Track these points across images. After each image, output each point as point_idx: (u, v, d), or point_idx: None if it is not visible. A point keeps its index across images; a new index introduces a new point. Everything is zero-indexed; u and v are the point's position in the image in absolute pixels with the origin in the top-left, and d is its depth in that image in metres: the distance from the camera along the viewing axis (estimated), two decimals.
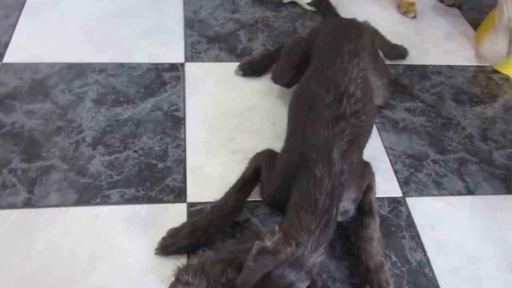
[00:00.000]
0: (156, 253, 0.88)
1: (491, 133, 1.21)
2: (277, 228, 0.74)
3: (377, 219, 0.91)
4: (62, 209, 0.94)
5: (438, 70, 1.38)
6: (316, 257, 0.74)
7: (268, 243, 0.69)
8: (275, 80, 1.21)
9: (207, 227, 0.90)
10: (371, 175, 0.96)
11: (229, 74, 1.27)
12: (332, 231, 0.78)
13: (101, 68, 1.25)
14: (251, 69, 1.26)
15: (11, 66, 1.23)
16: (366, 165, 0.96)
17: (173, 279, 0.77)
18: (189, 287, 0.74)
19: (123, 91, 1.19)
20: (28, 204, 0.94)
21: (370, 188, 0.93)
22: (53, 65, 1.24)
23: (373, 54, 1.10)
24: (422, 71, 1.36)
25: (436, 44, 1.46)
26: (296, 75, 1.11)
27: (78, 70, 1.24)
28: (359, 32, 1.09)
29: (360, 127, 0.92)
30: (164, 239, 0.89)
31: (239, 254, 0.73)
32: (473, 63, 1.42)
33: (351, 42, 1.04)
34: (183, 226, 0.91)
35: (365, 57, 1.04)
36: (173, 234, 0.90)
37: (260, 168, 0.95)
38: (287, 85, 1.18)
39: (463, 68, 1.39)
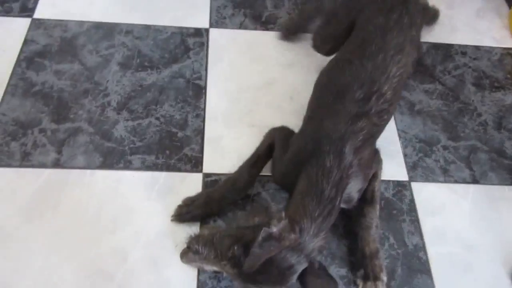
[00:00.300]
0: (172, 220, 0.96)
1: (506, 122, 1.22)
2: (283, 214, 0.80)
3: (377, 207, 0.96)
4: (88, 171, 1.01)
5: (464, 50, 1.36)
6: (316, 243, 0.81)
7: (274, 229, 0.75)
8: (316, 47, 1.18)
9: (220, 199, 0.97)
10: (378, 163, 1.00)
11: (252, 43, 1.29)
12: (334, 219, 0.84)
13: (128, 30, 1.28)
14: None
15: (42, 23, 1.27)
16: (375, 153, 1.00)
17: (185, 246, 0.86)
18: (199, 256, 0.83)
19: (148, 55, 1.23)
20: (57, 164, 1.02)
21: (375, 176, 0.98)
22: (81, 23, 1.27)
23: (416, 38, 1.06)
24: (447, 50, 1.35)
25: (466, 21, 1.43)
26: (340, 44, 1.07)
27: (105, 31, 1.27)
28: (412, 19, 1.02)
29: (380, 125, 0.95)
30: (179, 207, 0.97)
31: (247, 232, 0.81)
32: (502, 44, 1.40)
33: (401, 34, 0.98)
34: (198, 196, 0.98)
35: (409, 51, 0.99)
36: (188, 203, 0.97)
37: (273, 145, 1.00)
38: (328, 54, 1.14)
39: (489, 50, 1.38)
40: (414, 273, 0.95)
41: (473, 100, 1.25)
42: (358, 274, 0.92)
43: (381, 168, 1.00)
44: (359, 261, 0.93)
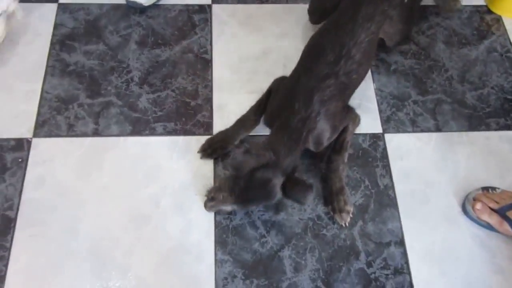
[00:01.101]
0: (200, 157, 1.22)
1: (469, 75, 1.42)
2: (261, 143, 1.09)
3: (345, 155, 1.19)
4: (121, 138, 1.26)
5: (437, 10, 1.54)
6: (289, 162, 1.06)
7: (253, 150, 1.04)
8: (310, 17, 1.43)
9: (233, 134, 1.23)
10: (352, 119, 1.22)
11: (250, 16, 1.48)
12: (302, 147, 1.08)
13: (141, 9, 1.47)
14: None
15: (67, 7, 1.46)
16: (349, 111, 1.23)
17: (204, 196, 1.12)
18: (215, 201, 1.09)
19: (160, 33, 1.43)
20: (96, 133, 1.26)
21: (346, 130, 1.19)
22: (101, 6, 1.47)
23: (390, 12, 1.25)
24: (422, 12, 1.53)
25: None
26: (327, 15, 1.28)
27: (122, 11, 1.46)
28: None
29: (349, 83, 1.17)
30: (202, 145, 1.23)
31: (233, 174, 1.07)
32: (472, 2, 1.57)
33: (371, 6, 1.18)
34: (215, 135, 1.24)
35: (379, 20, 1.20)
36: (209, 141, 1.23)
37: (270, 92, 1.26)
38: (316, 23, 1.40)
39: (460, 8, 1.54)
40: (384, 208, 1.21)
41: (442, 57, 1.45)
42: (328, 208, 1.18)
43: (354, 123, 1.23)
44: (327, 198, 1.19)
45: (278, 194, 1.05)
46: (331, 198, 1.18)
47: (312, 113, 1.09)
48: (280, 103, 1.16)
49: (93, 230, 1.14)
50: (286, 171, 1.06)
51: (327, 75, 1.12)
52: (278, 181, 1.04)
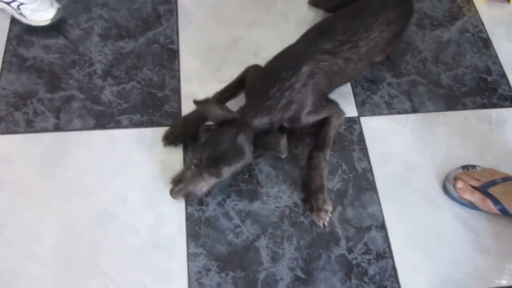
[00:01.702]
0: (164, 145, 1.16)
1: (443, 56, 1.40)
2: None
3: (327, 152, 1.14)
4: (84, 132, 1.19)
5: None
6: (257, 122, 1.03)
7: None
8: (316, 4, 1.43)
9: (195, 119, 1.17)
10: (336, 112, 1.17)
11: (217, 6, 1.44)
12: (275, 114, 1.04)
13: (103, 2, 1.41)
14: None
15: None
16: (333, 103, 1.19)
17: (170, 184, 1.06)
18: (183, 183, 1.03)
19: (124, 25, 1.38)
20: (57, 128, 1.19)
21: (329, 122, 1.15)
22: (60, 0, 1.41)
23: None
24: None
25: None
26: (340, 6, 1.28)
27: (83, 5, 1.40)
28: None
29: (343, 70, 1.13)
30: (165, 132, 1.17)
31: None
32: None
33: (392, 13, 1.19)
34: (177, 121, 1.19)
35: (393, 29, 1.21)
36: (171, 128, 1.18)
37: (244, 79, 1.20)
38: (328, 10, 1.39)
39: None
40: (362, 191, 1.16)
41: (415, 40, 1.42)
42: (306, 206, 1.12)
43: (339, 119, 1.18)
44: (306, 196, 1.12)
45: (248, 151, 1.01)
46: (309, 196, 1.12)
47: (297, 82, 1.04)
48: (265, 72, 1.12)
49: (56, 230, 1.06)
50: (255, 129, 1.03)
51: (327, 51, 1.09)
52: (245, 136, 1.01)
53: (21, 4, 1.29)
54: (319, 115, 1.15)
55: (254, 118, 1.03)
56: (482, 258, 1.10)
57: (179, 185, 1.03)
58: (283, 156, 1.04)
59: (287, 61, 1.08)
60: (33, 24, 1.33)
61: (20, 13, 1.30)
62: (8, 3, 1.30)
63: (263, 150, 1.06)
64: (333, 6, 1.34)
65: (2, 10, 1.34)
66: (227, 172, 1.03)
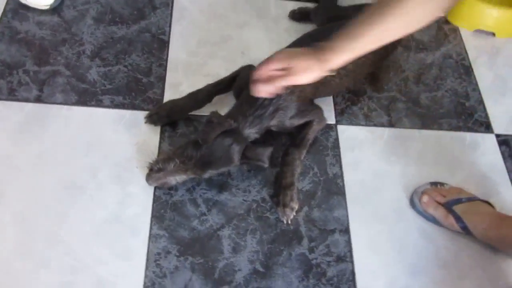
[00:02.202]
0: (145, 122, 1.18)
1: (424, 77, 1.44)
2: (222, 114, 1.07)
3: (303, 152, 1.15)
4: (65, 106, 1.21)
5: None
6: (250, 132, 1.06)
7: (214, 119, 1.02)
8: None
9: (182, 106, 1.20)
10: (318, 117, 1.20)
11: (211, 5, 1.48)
12: (266, 122, 1.08)
13: None
14: None
15: None
16: (317, 108, 1.22)
17: (147, 170, 1.07)
18: (163, 172, 1.04)
19: (119, 12, 1.41)
20: (38, 100, 1.21)
21: (310, 125, 1.17)
22: None
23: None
24: None
25: None
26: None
27: None
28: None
29: (327, 82, 1.15)
30: (149, 111, 1.19)
31: (192, 140, 1.04)
32: None
33: None
34: (165, 103, 1.21)
35: (380, 52, 1.19)
36: (156, 108, 1.20)
37: (237, 77, 1.22)
38: (321, 25, 1.39)
39: None
40: (331, 195, 1.18)
41: (399, 59, 1.47)
42: (273, 201, 1.13)
43: (320, 124, 1.21)
44: (275, 191, 1.14)
45: (237, 160, 1.04)
46: (278, 191, 1.13)
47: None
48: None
49: (22, 196, 1.07)
50: (247, 140, 1.06)
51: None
52: (238, 147, 1.03)
53: None
54: (303, 119, 1.17)
55: (246, 128, 1.06)
56: (440, 272, 1.11)
57: (158, 173, 1.04)
58: (265, 165, 1.08)
59: None
60: (31, 6, 1.36)
61: None
62: None
63: (250, 159, 1.07)
64: (319, 22, 1.40)
65: None
66: (210, 174, 1.07)
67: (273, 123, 1.11)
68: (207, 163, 1.03)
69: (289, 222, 1.11)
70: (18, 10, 1.36)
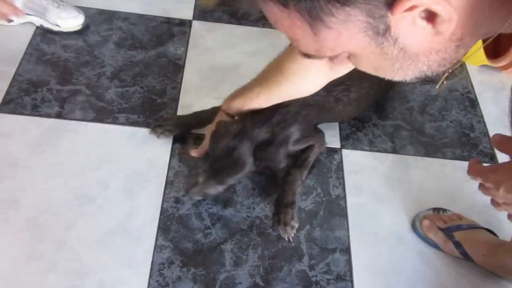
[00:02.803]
0: (149, 133, 1.25)
1: (429, 108, 1.48)
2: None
3: (304, 173, 1.20)
4: (83, 122, 1.28)
5: None
6: (258, 132, 1.08)
7: (220, 128, 1.08)
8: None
9: (185, 123, 1.26)
10: (319, 141, 1.24)
11: (226, 35, 1.57)
12: (272, 126, 1.10)
13: (125, 17, 1.55)
14: None
15: None
16: (318, 132, 1.26)
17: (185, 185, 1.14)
18: (197, 186, 1.10)
19: (139, 38, 1.50)
20: (59, 115, 1.28)
21: (312, 149, 1.22)
22: (87, 9, 1.55)
23: None
24: None
25: None
26: None
27: (106, 16, 1.55)
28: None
29: (332, 108, 1.23)
30: (156, 122, 1.26)
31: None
32: None
33: None
34: (171, 117, 1.28)
35: (384, 84, 1.22)
36: (162, 121, 1.27)
37: None
38: None
39: None
40: (333, 216, 1.21)
41: (405, 90, 1.51)
42: (274, 219, 1.16)
43: (321, 148, 1.25)
44: (276, 209, 1.17)
45: (249, 164, 1.06)
46: (279, 209, 1.16)
47: (291, 105, 1.11)
48: None
49: (36, 203, 1.12)
50: (256, 140, 1.07)
51: (322, 89, 1.17)
52: (245, 149, 1.05)
53: (54, 14, 1.43)
54: (305, 143, 1.22)
55: (254, 128, 1.08)
56: None
57: (195, 187, 1.10)
58: (281, 166, 1.12)
59: None
60: (65, 30, 1.46)
61: (53, 23, 1.44)
62: (41, 15, 1.43)
63: (262, 161, 1.09)
64: None
65: (30, 22, 1.46)
66: (230, 181, 1.09)
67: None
68: (219, 170, 1.06)
69: (290, 239, 1.14)
70: (47, 34, 1.46)
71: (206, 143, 1.14)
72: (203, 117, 1.25)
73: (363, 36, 0.48)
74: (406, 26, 0.46)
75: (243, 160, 1.06)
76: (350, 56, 0.56)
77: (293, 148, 1.18)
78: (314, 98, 1.15)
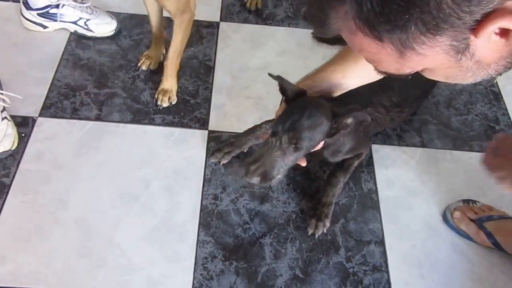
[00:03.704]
0: (209, 158, 1.27)
1: (455, 102, 1.51)
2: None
3: (347, 176, 1.23)
4: (121, 124, 1.33)
5: None
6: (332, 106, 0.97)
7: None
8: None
9: (242, 143, 1.27)
10: (367, 150, 1.28)
11: (253, 34, 1.61)
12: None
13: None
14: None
15: None
16: (368, 142, 1.29)
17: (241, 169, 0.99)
18: (257, 162, 0.94)
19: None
20: (98, 118, 1.33)
21: (359, 156, 1.24)
22: (118, 14, 1.60)
23: None
24: None
25: None
26: None
27: (137, 21, 1.59)
28: None
29: (384, 125, 1.30)
30: (214, 147, 1.29)
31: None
32: None
33: None
34: (226, 139, 1.29)
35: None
36: (220, 144, 1.29)
37: None
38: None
39: None
40: (366, 209, 1.24)
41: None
42: (309, 213, 1.20)
43: (365, 153, 1.28)
44: (313, 206, 1.20)
45: (326, 124, 0.94)
46: (317, 205, 1.20)
47: (354, 111, 0.97)
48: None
49: (83, 203, 1.17)
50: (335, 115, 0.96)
51: (384, 106, 1.23)
52: (324, 107, 0.95)
53: (88, 20, 1.48)
54: (354, 152, 1.22)
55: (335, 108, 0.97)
56: (474, 286, 1.15)
57: (255, 163, 0.94)
58: (335, 159, 1.19)
59: (357, 91, 1.05)
60: (99, 36, 1.51)
61: (87, 28, 1.49)
62: (75, 22, 1.49)
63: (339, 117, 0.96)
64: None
65: (64, 29, 1.52)
66: (306, 141, 0.93)
67: (329, 150, 1.14)
68: (296, 124, 0.92)
69: (318, 236, 1.18)
70: (81, 40, 1.51)
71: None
72: (258, 135, 1.27)
73: (444, 55, 0.52)
74: (483, 43, 0.50)
75: (322, 118, 0.93)
76: (425, 70, 0.59)
77: (344, 155, 1.20)
78: (375, 114, 1.21)
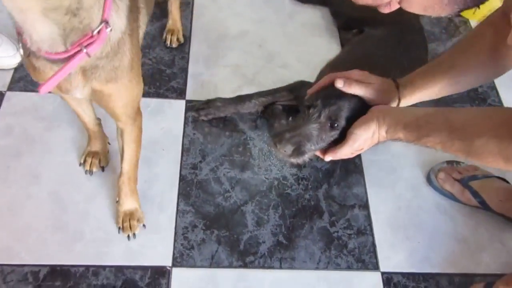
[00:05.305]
0: (192, 115, 1.26)
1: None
2: None
3: None
4: None
5: None
6: None
7: None
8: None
9: (228, 106, 1.25)
10: None
11: (229, 3, 1.56)
12: None
13: None
14: None
15: None
16: None
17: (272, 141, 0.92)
18: (290, 132, 0.88)
19: None
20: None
21: None
22: None
23: None
24: None
25: None
26: None
27: None
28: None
29: None
30: (197, 105, 1.27)
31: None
32: None
33: None
34: (213, 99, 1.27)
35: None
36: (204, 104, 1.27)
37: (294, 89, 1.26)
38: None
39: None
40: (350, 173, 1.22)
41: None
42: None
43: None
44: None
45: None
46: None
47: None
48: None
49: (57, 177, 1.13)
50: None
51: None
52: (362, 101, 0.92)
53: None
54: None
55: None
56: (459, 246, 1.14)
57: (289, 133, 0.87)
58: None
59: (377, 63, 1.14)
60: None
61: None
62: None
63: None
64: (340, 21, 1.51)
65: None
66: (343, 121, 0.89)
67: None
68: (341, 106, 0.88)
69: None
70: None
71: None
72: (246, 105, 1.25)
73: None
74: None
75: (362, 108, 0.90)
76: (402, 1, 0.58)
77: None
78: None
